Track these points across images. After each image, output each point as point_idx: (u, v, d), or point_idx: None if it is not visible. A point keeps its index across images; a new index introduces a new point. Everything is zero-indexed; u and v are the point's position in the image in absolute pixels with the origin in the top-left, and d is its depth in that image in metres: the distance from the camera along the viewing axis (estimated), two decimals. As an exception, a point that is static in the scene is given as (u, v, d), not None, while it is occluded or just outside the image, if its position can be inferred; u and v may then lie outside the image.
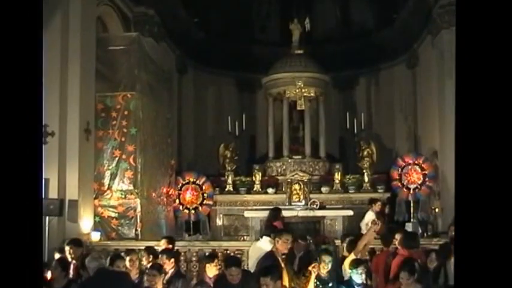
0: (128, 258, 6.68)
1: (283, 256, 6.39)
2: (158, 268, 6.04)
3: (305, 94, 14.56)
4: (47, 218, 8.70)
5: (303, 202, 13.66)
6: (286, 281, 5.95)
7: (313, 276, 6.13)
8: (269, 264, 5.70)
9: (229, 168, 14.62)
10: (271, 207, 11.16)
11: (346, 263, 6.55)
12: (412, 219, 12.93)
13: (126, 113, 11.09)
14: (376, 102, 17.83)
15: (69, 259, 6.99)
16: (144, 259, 7.28)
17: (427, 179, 13.22)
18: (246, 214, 13.46)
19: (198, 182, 13.63)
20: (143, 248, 7.90)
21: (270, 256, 6.20)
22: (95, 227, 10.48)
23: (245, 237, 13.73)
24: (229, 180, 14.58)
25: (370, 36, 17.19)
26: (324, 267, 6.18)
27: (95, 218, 10.59)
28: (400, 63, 16.88)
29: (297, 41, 15.78)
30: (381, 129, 17.35)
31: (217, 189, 14.42)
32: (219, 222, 14.59)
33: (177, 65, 16.14)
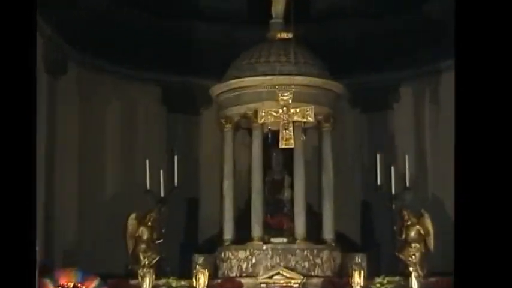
0: None
1: None
2: None
3: (296, 118, 14.14)
4: None
5: (292, 330, 14.21)
6: None
7: None
8: None
9: (147, 262, 14.80)
10: None
11: None
12: None
13: None
14: (433, 135, 17.53)
15: None
16: None
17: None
18: None
19: (83, 288, 13.39)
20: None
21: None
22: None
23: None
24: (147, 286, 14.53)
25: (418, 9, 17.05)
26: None
27: None
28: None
29: (280, 17, 16.03)
30: (444, 187, 16.66)
31: (122, 303, 14.24)
32: None
33: (48, 59, 15.67)
